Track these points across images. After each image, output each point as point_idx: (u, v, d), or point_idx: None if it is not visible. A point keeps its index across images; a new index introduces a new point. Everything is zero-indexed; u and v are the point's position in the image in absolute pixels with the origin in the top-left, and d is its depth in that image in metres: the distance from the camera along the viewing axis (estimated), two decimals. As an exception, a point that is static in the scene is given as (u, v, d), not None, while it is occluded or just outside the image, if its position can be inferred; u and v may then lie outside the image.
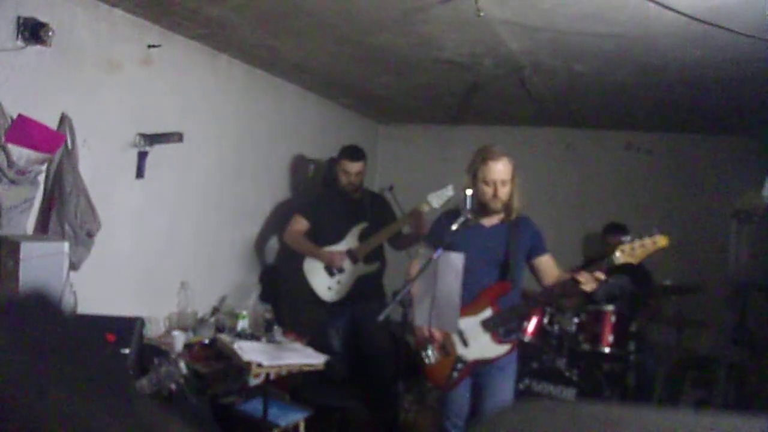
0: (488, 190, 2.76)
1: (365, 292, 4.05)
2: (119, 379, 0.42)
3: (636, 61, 3.34)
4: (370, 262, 4.09)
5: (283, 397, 3.54)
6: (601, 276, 2.58)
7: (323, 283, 4.05)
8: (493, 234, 2.82)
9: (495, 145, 2.84)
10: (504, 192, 2.76)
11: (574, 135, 5.60)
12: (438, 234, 2.83)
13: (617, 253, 2.58)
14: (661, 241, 2.57)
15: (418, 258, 2.98)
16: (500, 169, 2.75)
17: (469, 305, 2.73)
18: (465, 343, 2.79)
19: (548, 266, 2.82)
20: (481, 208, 2.77)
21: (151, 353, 3.06)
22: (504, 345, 2.79)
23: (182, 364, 2.32)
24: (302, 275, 4.10)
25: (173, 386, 2.23)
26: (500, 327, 2.78)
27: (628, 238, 2.60)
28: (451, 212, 2.91)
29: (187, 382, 2.54)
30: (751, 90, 3.67)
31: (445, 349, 2.80)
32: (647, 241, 2.57)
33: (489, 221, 2.83)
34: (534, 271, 2.86)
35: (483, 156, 2.78)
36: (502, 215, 2.83)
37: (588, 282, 2.57)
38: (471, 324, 2.78)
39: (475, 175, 2.78)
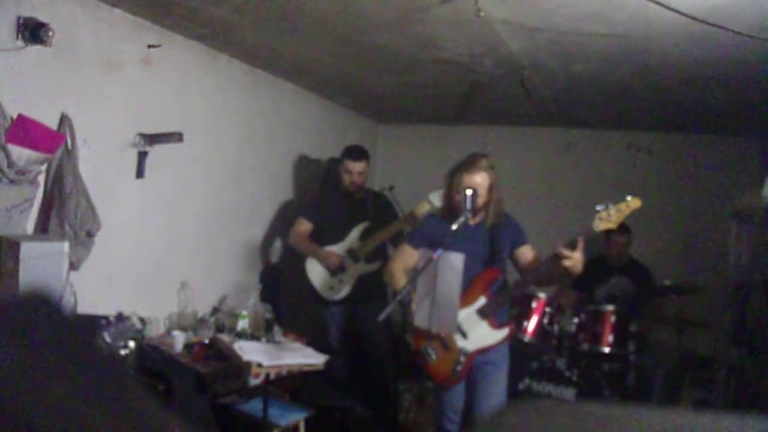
0: (461, 200, 2.79)
1: (367, 291, 4.05)
2: (119, 378, 0.42)
3: (636, 61, 3.34)
4: (371, 262, 4.10)
5: (283, 397, 3.54)
6: (580, 244, 2.60)
7: (325, 283, 4.06)
8: (478, 230, 2.87)
9: (481, 156, 2.88)
10: (479, 200, 2.79)
11: (574, 135, 5.60)
12: (423, 234, 2.92)
13: (595, 221, 2.64)
14: (635, 202, 2.64)
15: (397, 256, 3.02)
16: (473, 179, 2.79)
17: (462, 296, 2.75)
18: (464, 335, 2.81)
19: (528, 255, 2.91)
20: (453, 212, 2.82)
21: (152, 353, 3.06)
22: (503, 329, 2.85)
23: (135, 319, 2.25)
24: (304, 275, 4.11)
25: (131, 344, 2.17)
26: (496, 312, 2.83)
27: (609, 204, 2.66)
28: (437, 214, 3.01)
29: (195, 380, 2.50)
30: (751, 90, 3.67)
31: (446, 345, 2.81)
32: (621, 205, 2.64)
33: (472, 219, 2.86)
34: (515, 262, 2.94)
35: (465, 166, 2.83)
36: (482, 215, 2.89)
37: (569, 256, 2.58)
38: (467, 315, 2.81)
39: (452, 189, 2.86)
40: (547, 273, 2.72)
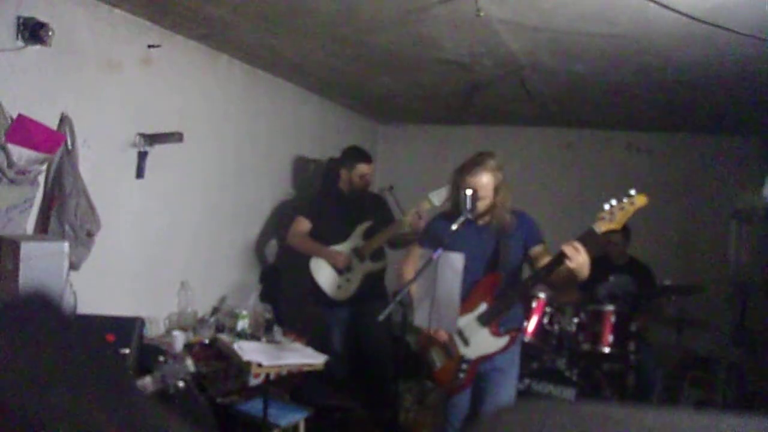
0: (462, 200, 2.68)
1: (371, 290, 4.06)
2: (119, 379, 0.42)
3: (636, 61, 3.34)
4: (376, 260, 4.11)
5: (283, 397, 3.54)
6: (579, 246, 2.44)
7: (332, 282, 4.06)
8: (484, 231, 2.79)
9: (488, 155, 2.76)
10: (484, 201, 2.70)
11: (574, 135, 5.60)
12: (432, 235, 2.83)
13: (597, 223, 2.47)
14: (640, 200, 2.45)
15: (409, 258, 2.98)
16: (478, 180, 2.68)
17: (463, 302, 2.69)
18: (466, 342, 2.76)
19: (541, 254, 2.75)
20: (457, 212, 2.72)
21: (152, 353, 3.06)
22: (503, 337, 2.74)
23: (189, 362, 2.29)
24: (309, 275, 4.11)
25: (180, 384, 2.20)
26: (497, 319, 2.73)
27: (612, 202, 2.50)
28: (445, 214, 2.91)
29: (193, 380, 2.52)
30: (751, 90, 3.67)
31: (449, 351, 2.78)
32: (625, 202, 2.45)
33: (482, 219, 2.80)
34: (530, 263, 2.81)
35: (469, 167, 2.72)
36: (487, 218, 2.80)
37: (572, 255, 2.43)
38: (468, 321, 2.75)
39: (458, 181, 2.74)
40: (554, 276, 2.58)
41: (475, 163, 2.72)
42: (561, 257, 2.47)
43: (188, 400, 2.83)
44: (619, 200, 2.48)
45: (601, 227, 2.49)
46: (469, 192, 2.63)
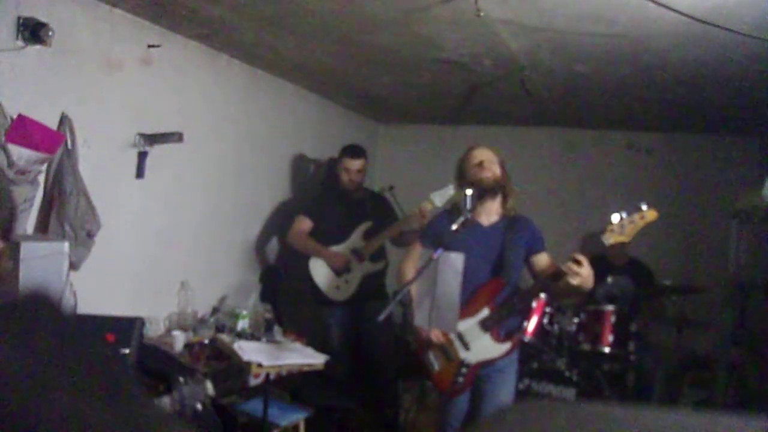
0: (477, 169, 2.80)
1: (371, 291, 4.06)
2: (119, 379, 0.42)
3: (636, 61, 3.34)
4: (376, 261, 4.11)
5: (283, 397, 3.54)
6: (581, 258, 2.47)
7: (331, 283, 4.06)
8: (491, 233, 2.80)
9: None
10: (494, 169, 2.79)
11: (574, 135, 5.60)
12: (434, 233, 2.84)
13: (606, 234, 2.50)
14: (650, 215, 2.48)
15: (409, 257, 2.98)
16: (483, 151, 2.85)
17: (465, 306, 2.69)
18: (466, 346, 2.75)
19: (543, 264, 2.77)
20: (478, 191, 2.73)
21: (172, 371, 3.06)
22: (505, 343, 2.75)
23: (208, 384, 2.25)
24: (308, 275, 4.11)
25: (198, 406, 2.17)
26: (498, 325, 2.74)
27: (623, 215, 2.50)
28: (448, 212, 2.91)
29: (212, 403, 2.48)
30: (751, 90, 3.67)
31: (448, 354, 2.78)
32: (635, 216, 2.48)
33: (488, 219, 2.81)
34: (530, 269, 2.83)
35: (465, 152, 2.90)
36: (500, 211, 2.82)
37: (571, 271, 2.46)
38: (469, 325, 2.74)
39: (464, 169, 2.86)
40: (558, 287, 2.59)
41: (472, 147, 2.92)
42: (560, 273, 2.51)
43: (205, 421, 2.82)
44: (630, 213, 2.49)
45: (609, 239, 2.52)
46: (469, 192, 2.64)
